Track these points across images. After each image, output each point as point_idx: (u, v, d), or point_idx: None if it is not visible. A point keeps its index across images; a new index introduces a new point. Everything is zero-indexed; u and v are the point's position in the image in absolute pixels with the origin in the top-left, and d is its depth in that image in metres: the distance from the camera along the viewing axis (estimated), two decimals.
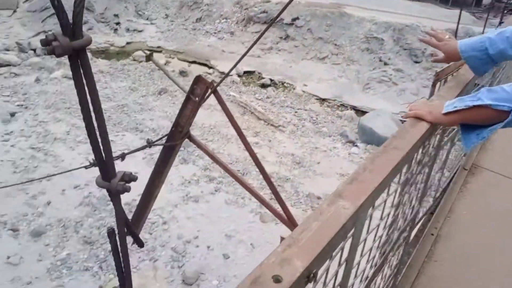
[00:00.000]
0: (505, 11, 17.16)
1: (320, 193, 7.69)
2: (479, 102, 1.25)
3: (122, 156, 2.94)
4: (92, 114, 1.04)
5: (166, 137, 4.18)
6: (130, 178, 1.22)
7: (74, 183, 6.69)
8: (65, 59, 10.18)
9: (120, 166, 1.20)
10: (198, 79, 3.61)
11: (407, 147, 1.17)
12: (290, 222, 4.15)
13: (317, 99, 12.81)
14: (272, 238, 6.42)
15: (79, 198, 6.39)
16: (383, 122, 10.38)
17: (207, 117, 9.81)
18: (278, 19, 16.55)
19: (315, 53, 15.71)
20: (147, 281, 5.22)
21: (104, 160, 1.15)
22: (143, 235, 5.93)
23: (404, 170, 1.27)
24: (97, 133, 1.09)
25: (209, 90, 3.51)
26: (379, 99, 13.17)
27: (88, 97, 1.01)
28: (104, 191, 6.65)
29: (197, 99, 3.61)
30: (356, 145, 9.93)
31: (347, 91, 13.55)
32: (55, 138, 7.83)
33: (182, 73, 12.72)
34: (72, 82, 7.63)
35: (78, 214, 6.08)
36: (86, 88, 1.00)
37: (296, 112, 11.25)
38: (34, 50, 13.54)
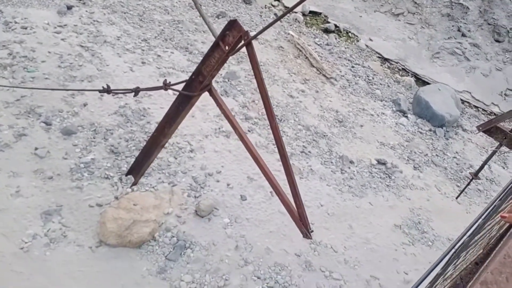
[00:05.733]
0: None
1: (354, 158, 7.38)
2: None
3: (136, 91, 2.74)
4: None
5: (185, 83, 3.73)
6: None
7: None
8: None
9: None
10: (233, 24, 2.98)
11: None
12: (301, 222, 3.71)
13: (379, 57, 12.02)
14: None
15: (114, 107, 6.41)
16: (442, 98, 9.66)
17: (260, 52, 9.42)
18: None
19: (391, 7, 14.53)
20: (161, 203, 5.27)
21: None
22: (167, 158, 5.94)
23: None
24: None
25: (242, 41, 2.97)
26: (445, 72, 12.20)
27: None
28: (140, 105, 6.64)
29: (227, 48, 3.04)
30: (406, 116, 9.36)
31: (413, 55, 12.61)
32: (105, 41, 7.76)
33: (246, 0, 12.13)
34: None
35: (110, 122, 6.12)
36: None
37: (353, 66, 10.63)
38: None
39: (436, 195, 7.38)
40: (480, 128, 5.54)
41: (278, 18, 2.96)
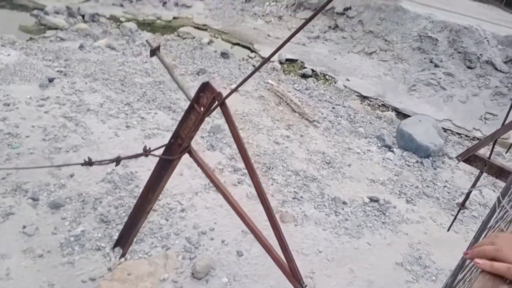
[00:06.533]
0: None
1: (346, 198, 7.37)
2: None
3: (117, 161, 2.77)
4: None
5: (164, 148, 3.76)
6: None
7: (100, 158, 6.68)
8: (110, 29, 10.26)
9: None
10: (206, 86, 3.08)
11: None
12: (293, 277, 3.65)
13: (358, 96, 12.31)
14: (289, 240, 6.19)
15: (102, 174, 6.39)
16: (424, 129, 9.84)
17: (242, 103, 9.59)
18: (329, 7, 15.95)
19: (363, 47, 15.09)
20: (156, 269, 5.15)
21: None
22: (158, 220, 5.87)
23: None
24: None
25: (216, 102, 3.04)
26: (424, 103, 12.51)
27: None
28: (127, 169, 6.63)
29: (202, 109, 3.13)
30: (392, 151, 9.47)
31: (391, 90, 12.96)
32: (88, 109, 7.86)
33: (224, 54, 12.51)
34: (113, 53, 7.62)
35: (99, 191, 6.07)
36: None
37: (333, 107, 10.85)
38: (83, 16, 13.67)
39: (432, 227, 7.35)
40: (459, 158, 5.53)
41: (251, 74, 3.03)
